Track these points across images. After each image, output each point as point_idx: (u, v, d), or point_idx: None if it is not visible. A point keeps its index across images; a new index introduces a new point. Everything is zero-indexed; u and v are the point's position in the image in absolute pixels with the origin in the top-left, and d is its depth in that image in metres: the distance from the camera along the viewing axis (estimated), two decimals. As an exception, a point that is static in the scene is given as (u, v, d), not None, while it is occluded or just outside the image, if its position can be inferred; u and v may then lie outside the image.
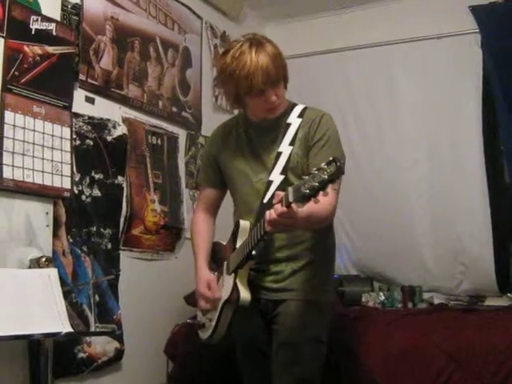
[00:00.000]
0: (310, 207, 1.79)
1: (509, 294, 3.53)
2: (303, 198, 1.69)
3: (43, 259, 2.36)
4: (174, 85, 3.48)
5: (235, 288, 2.17)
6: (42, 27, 2.51)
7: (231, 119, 2.49)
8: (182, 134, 3.52)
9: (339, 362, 2.61)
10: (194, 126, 3.65)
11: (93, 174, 2.81)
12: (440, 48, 3.88)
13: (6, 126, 2.33)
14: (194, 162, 3.60)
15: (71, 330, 2.14)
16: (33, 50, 2.46)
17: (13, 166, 2.34)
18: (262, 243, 2.09)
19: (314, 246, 2.25)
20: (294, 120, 2.26)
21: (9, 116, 2.34)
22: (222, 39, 4.01)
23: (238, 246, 2.20)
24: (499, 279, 3.60)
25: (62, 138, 2.57)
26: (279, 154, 2.23)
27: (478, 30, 3.74)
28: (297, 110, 2.29)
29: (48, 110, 2.51)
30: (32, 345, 2.32)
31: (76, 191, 2.69)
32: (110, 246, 2.89)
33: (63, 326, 2.12)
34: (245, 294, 2.17)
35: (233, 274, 2.20)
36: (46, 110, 2.50)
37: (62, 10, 2.68)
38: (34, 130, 2.44)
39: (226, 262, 2.30)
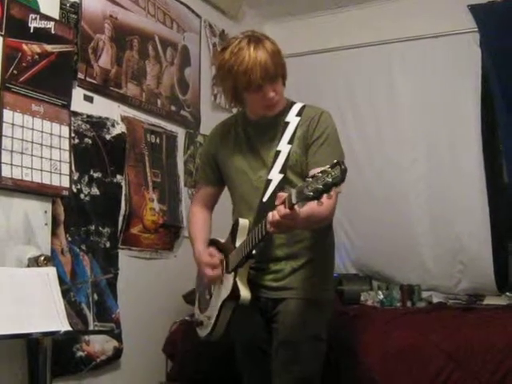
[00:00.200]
0: (310, 208, 1.79)
1: (507, 293, 3.53)
2: (306, 201, 1.69)
3: (42, 258, 2.36)
4: (172, 83, 3.48)
5: (235, 287, 2.17)
6: (40, 26, 2.50)
7: (230, 118, 2.49)
8: (180, 133, 3.52)
9: (338, 360, 2.62)
10: (193, 124, 3.65)
11: (91, 173, 2.81)
12: (438, 47, 3.88)
13: (4, 124, 2.32)
14: (192, 161, 3.60)
15: (70, 328, 2.14)
16: (31, 48, 2.46)
17: (11, 164, 2.34)
18: (263, 242, 2.09)
19: (314, 245, 2.25)
20: (292, 118, 2.26)
21: (7, 114, 2.34)
22: (220, 38, 4.01)
23: (237, 244, 2.20)
24: (498, 278, 3.60)
25: (60, 136, 2.56)
26: (278, 152, 2.22)
27: (476, 29, 3.74)
28: (295, 108, 2.29)
29: (47, 109, 2.51)
30: (31, 344, 2.32)
31: (75, 190, 2.69)
32: (108, 244, 2.89)
33: (62, 325, 2.12)
34: (245, 293, 2.17)
35: (232, 273, 2.19)
36: (44, 108, 2.50)
37: (61, 8, 2.68)
38: (32, 129, 2.44)
39: (224, 261, 2.30)
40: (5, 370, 2.29)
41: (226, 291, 2.21)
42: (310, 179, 1.67)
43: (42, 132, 2.48)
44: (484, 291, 3.64)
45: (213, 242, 2.44)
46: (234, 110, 2.78)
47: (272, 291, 2.24)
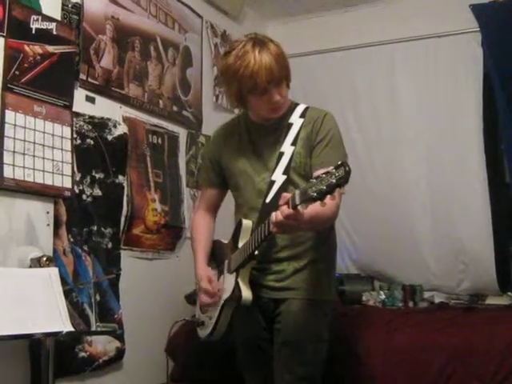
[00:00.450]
0: (314, 209, 1.79)
1: (509, 293, 3.54)
2: (310, 201, 1.69)
3: (44, 258, 2.36)
4: (174, 84, 3.48)
5: (237, 287, 2.17)
6: (42, 27, 2.51)
7: (233, 119, 2.49)
8: (182, 134, 3.52)
9: (340, 360, 2.61)
10: (195, 125, 3.65)
11: (93, 174, 2.81)
12: (440, 47, 3.88)
13: (6, 125, 2.33)
14: (194, 161, 3.60)
15: (72, 329, 2.14)
16: (33, 49, 2.46)
17: (13, 165, 2.34)
18: (265, 243, 2.09)
19: (316, 246, 2.25)
20: (296, 120, 2.26)
21: (9, 115, 2.35)
22: (222, 38, 4.01)
23: (239, 245, 2.20)
24: (500, 278, 3.60)
25: (62, 137, 2.57)
26: (281, 153, 2.23)
27: (478, 29, 3.74)
28: (299, 109, 2.29)
29: (48, 110, 2.51)
30: (33, 344, 2.33)
31: (77, 190, 2.69)
32: (110, 245, 2.89)
33: (64, 326, 2.12)
34: (247, 293, 2.17)
35: (234, 273, 2.20)
36: (46, 109, 2.50)
37: (63, 9, 2.68)
38: (34, 130, 2.44)
39: (227, 261, 2.30)
40: (7, 371, 2.29)
41: (227, 291, 2.22)
42: (314, 180, 1.67)
43: (43, 133, 2.48)
44: (486, 291, 3.64)
45: (215, 244, 2.44)
46: (236, 111, 2.79)
47: (274, 291, 2.24)
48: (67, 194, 2.57)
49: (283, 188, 2.16)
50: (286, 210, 1.80)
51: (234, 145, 2.37)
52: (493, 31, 3.68)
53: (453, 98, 3.83)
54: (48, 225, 2.51)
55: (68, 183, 2.57)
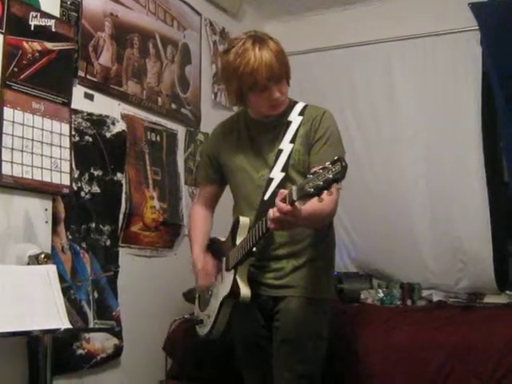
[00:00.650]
0: (312, 206, 1.79)
1: (507, 292, 3.54)
2: (307, 197, 1.69)
3: (42, 256, 2.36)
4: (173, 81, 3.48)
5: (235, 284, 2.17)
6: (41, 23, 2.50)
7: (232, 116, 2.49)
8: (181, 131, 3.52)
9: (339, 358, 2.61)
10: (193, 122, 3.65)
11: (92, 171, 2.81)
12: (439, 45, 3.88)
13: (4, 122, 2.32)
14: (193, 159, 3.60)
15: (70, 326, 2.13)
16: (32, 46, 2.46)
17: (12, 162, 2.34)
18: (263, 240, 2.09)
19: (315, 243, 2.25)
20: (294, 118, 2.27)
21: (8, 112, 2.34)
22: (221, 36, 4.00)
23: (237, 242, 2.20)
24: (498, 277, 3.60)
25: (61, 134, 2.56)
26: (280, 151, 2.23)
27: (477, 27, 3.73)
28: (298, 107, 2.30)
29: (47, 107, 2.51)
30: (31, 341, 2.33)
31: (75, 188, 2.68)
32: (109, 242, 2.89)
33: (62, 323, 2.12)
34: (245, 291, 2.17)
35: (232, 270, 2.20)
36: (45, 106, 2.50)
37: (62, 6, 2.68)
38: (32, 127, 2.44)
39: (224, 258, 2.30)
40: (5, 368, 2.29)
41: (225, 289, 2.22)
42: (311, 176, 1.67)
43: (42, 130, 2.48)
44: (484, 290, 3.64)
45: (213, 241, 2.44)
46: (235, 108, 2.78)
47: (273, 289, 2.24)
48: (65, 191, 2.57)
49: (281, 185, 2.16)
50: (283, 206, 1.79)
51: (232, 141, 2.37)
52: (492, 30, 3.68)
53: (452, 97, 3.83)
54: (46, 222, 2.51)
55: (66, 180, 2.57)
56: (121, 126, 3.01)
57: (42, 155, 2.46)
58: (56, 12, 2.62)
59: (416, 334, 2.65)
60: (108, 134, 2.92)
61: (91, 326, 2.69)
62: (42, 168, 2.46)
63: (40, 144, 2.46)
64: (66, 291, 2.43)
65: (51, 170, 2.50)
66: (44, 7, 2.54)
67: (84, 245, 2.74)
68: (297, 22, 4.42)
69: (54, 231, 2.57)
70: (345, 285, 3.66)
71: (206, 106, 3.80)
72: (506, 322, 2.69)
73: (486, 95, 3.73)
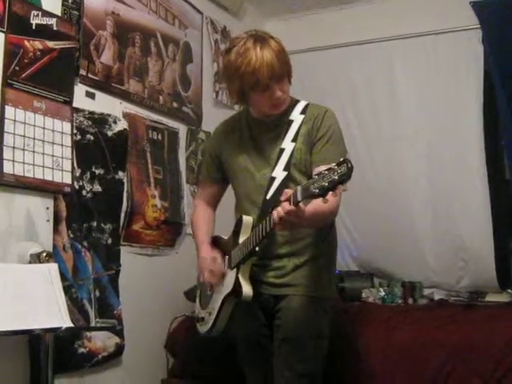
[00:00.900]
0: (315, 206, 1.79)
1: (509, 290, 3.54)
2: (312, 198, 1.69)
3: (44, 254, 2.36)
4: (174, 80, 3.48)
5: (237, 283, 2.17)
6: (42, 22, 2.50)
7: (234, 116, 2.49)
8: (182, 130, 3.52)
9: (340, 357, 2.61)
10: (195, 121, 3.65)
11: (93, 169, 2.81)
12: (440, 44, 3.88)
13: (6, 120, 2.32)
14: (194, 158, 3.60)
15: (71, 324, 2.14)
16: (33, 44, 2.45)
17: (13, 160, 2.33)
18: (266, 239, 2.09)
19: (316, 242, 2.25)
20: (296, 116, 2.27)
21: (9, 111, 2.34)
22: (222, 34, 4.00)
23: (240, 241, 2.20)
24: (499, 275, 3.60)
25: (62, 133, 2.56)
26: (282, 150, 2.23)
27: (478, 26, 3.73)
28: (299, 106, 2.30)
29: (48, 105, 2.51)
30: (32, 340, 2.33)
31: (77, 186, 2.68)
32: (110, 241, 2.89)
33: (63, 321, 2.12)
34: (247, 289, 2.17)
35: (235, 269, 2.20)
36: (46, 104, 2.49)
37: (63, 4, 2.67)
38: (34, 125, 2.44)
39: (227, 257, 2.30)
40: (7, 366, 2.29)
41: (227, 287, 2.22)
42: (316, 177, 1.67)
43: (43, 128, 2.47)
44: (486, 288, 3.64)
45: (216, 239, 2.44)
46: (236, 107, 2.78)
47: (274, 288, 2.24)
48: (67, 189, 2.57)
49: (284, 184, 2.16)
50: (287, 206, 1.80)
51: (234, 141, 2.37)
52: (493, 28, 3.68)
53: (453, 95, 3.83)
54: (48, 220, 2.51)
55: (68, 179, 2.57)
56: (122, 125, 3.01)
57: (43, 154, 2.46)
58: (57, 11, 2.62)
59: (417, 333, 2.66)
60: (109, 133, 2.92)
61: (93, 324, 2.69)
62: (43, 167, 2.45)
63: (41, 143, 2.46)
64: (67, 290, 2.43)
65: (53, 168, 2.49)
66: (45, 6, 2.53)
67: (85, 243, 2.74)
68: (298, 21, 4.42)
69: (56, 230, 2.57)
70: (346, 283, 3.67)
71: (208, 105, 3.80)
72: (507, 321, 2.69)
73: (487, 94, 3.72)
